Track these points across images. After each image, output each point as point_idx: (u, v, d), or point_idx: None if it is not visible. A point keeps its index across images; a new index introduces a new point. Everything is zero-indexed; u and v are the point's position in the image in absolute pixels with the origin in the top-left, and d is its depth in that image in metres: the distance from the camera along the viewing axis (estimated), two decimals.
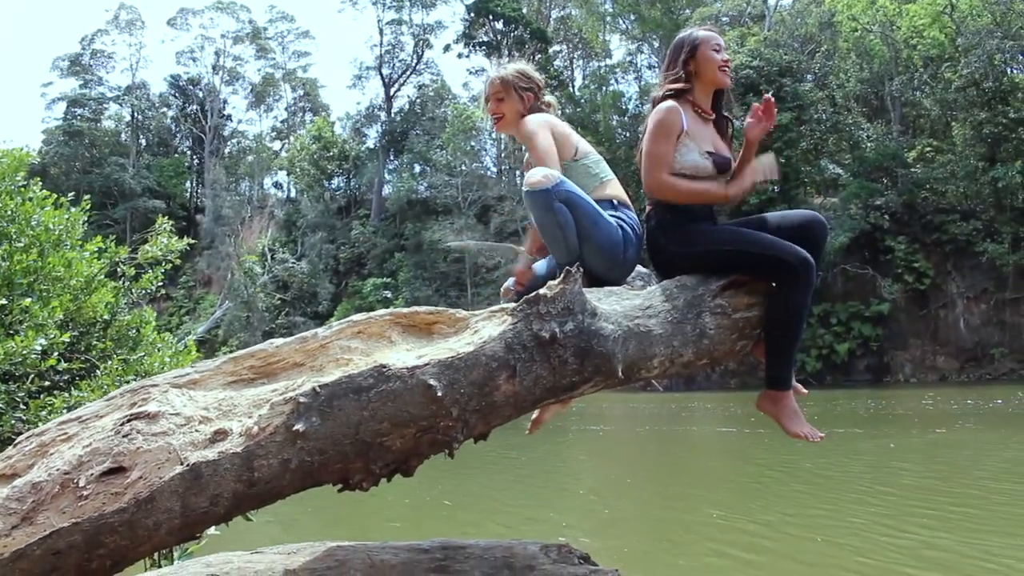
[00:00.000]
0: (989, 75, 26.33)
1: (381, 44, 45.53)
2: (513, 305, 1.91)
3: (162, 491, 1.50)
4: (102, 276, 3.61)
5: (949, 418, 13.91)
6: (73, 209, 3.63)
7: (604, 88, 38.71)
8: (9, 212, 3.25)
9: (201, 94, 51.82)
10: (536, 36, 38.61)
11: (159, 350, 3.61)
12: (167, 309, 40.27)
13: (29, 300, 3.00)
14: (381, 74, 45.67)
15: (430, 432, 1.72)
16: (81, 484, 1.48)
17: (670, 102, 2.33)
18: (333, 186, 44.22)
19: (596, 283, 2.23)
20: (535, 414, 2.42)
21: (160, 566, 2.58)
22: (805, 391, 2.39)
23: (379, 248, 38.20)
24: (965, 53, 26.88)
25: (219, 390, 1.72)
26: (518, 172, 36.82)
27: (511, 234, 32.52)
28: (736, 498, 7.26)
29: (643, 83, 38.58)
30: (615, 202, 2.37)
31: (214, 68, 51.66)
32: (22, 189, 3.44)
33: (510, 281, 2.50)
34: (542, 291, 1.88)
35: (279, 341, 1.82)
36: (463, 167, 38.29)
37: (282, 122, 53.43)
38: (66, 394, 3.02)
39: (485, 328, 1.88)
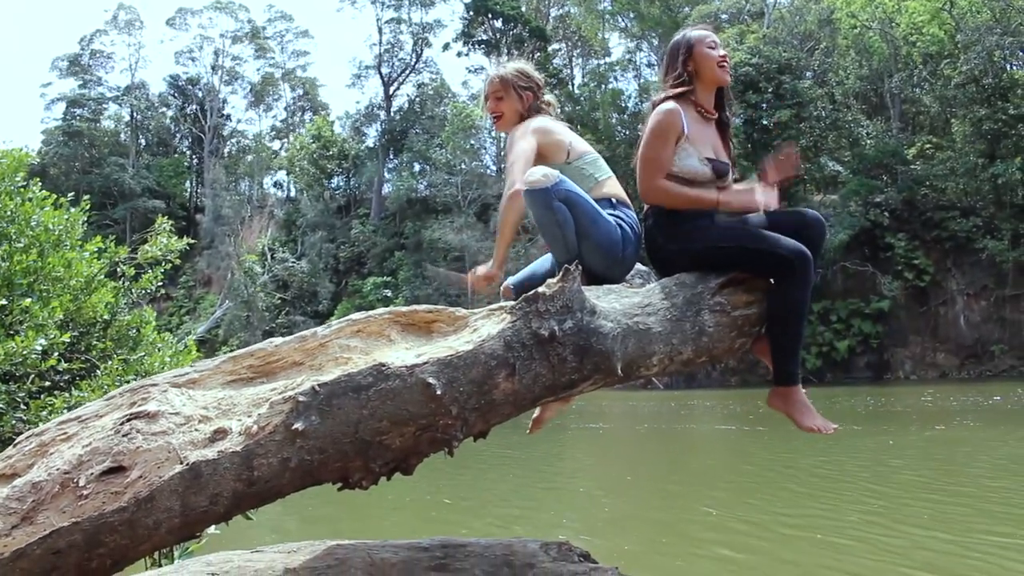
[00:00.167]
0: (989, 71, 26.32)
1: (380, 43, 45.56)
2: (512, 303, 1.91)
3: (162, 490, 1.50)
4: (102, 276, 3.61)
5: (948, 415, 13.92)
6: (73, 209, 3.63)
7: (603, 86, 38.71)
8: (9, 212, 3.25)
9: (200, 94, 51.80)
10: (535, 34, 38.61)
11: (159, 350, 3.62)
12: (167, 309, 40.28)
13: (29, 300, 3.00)
14: (380, 73, 45.66)
15: (429, 430, 1.73)
16: (81, 483, 1.49)
17: (670, 104, 2.32)
18: (333, 185, 44.23)
19: (595, 281, 2.23)
20: (536, 413, 2.42)
21: (160, 565, 2.59)
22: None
23: (379, 247, 38.20)
24: (964, 50, 26.87)
25: (218, 389, 1.72)
26: None
27: None
28: (735, 496, 7.27)
29: (642, 81, 38.59)
30: (614, 200, 2.37)
31: (213, 68, 51.66)
32: (22, 189, 3.44)
33: (510, 280, 2.51)
34: (541, 289, 1.88)
35: (278, 340, 1.83)
36: (463, 166, 38.28)
37: (281, 121, 53.46)
38: (66, 394, 3.03)
39: (484, 326, 1.88)
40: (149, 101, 51.84)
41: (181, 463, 1.53)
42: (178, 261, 4.45)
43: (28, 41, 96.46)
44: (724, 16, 35.88)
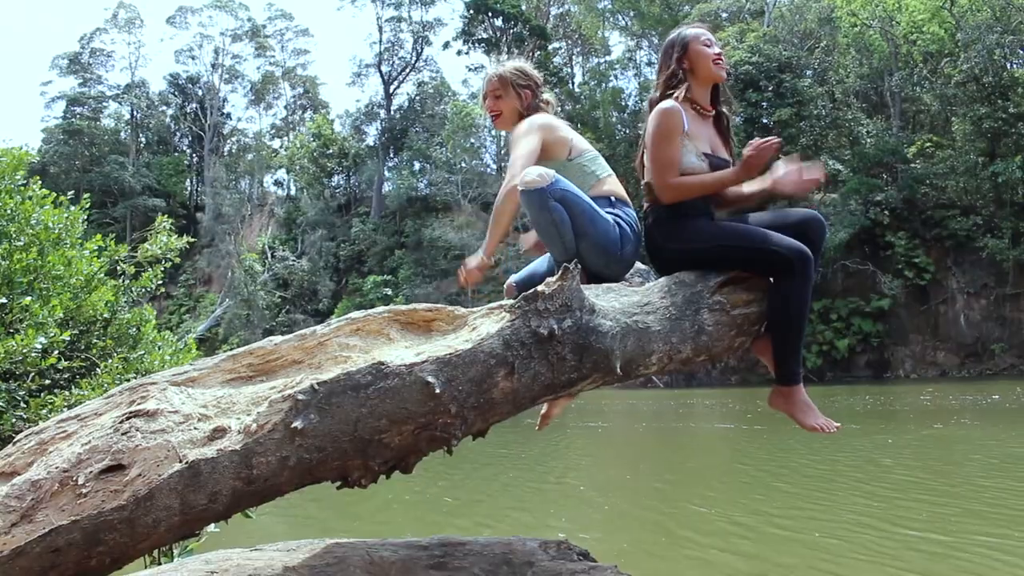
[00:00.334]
0: (989, 70, 26.31)
1: (380, 41, 45.54)
2: (511, 302, 1.91)
3: (161, 489, 1.50)
4: (102, 274, 3.61)
5: (946, 414, 13.92)
6: (73, 208, 3.63)
7: (603, 85, 38.71)
8: (9, 211, 3.25)
9: (200, 92, 51.76)
10: (535, 33, 38.58)
11: (159, 348, 3.61)
12: (167, 307, 40.30)
13: (29, 299, 3.00)
14: (380, 71, 45.65)
15: (428, 429, 1.73)
16: (80, 482, 1.49)
17: (669, 102, 2.32)
18: (333, 184, 44.24)
19: (594, 280, 2.23)
20: (544, 409, 2.42)
21: (160, 563, 2.59)
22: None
23: (379, 245, 38.20)
24: (965, 48, 26.86)
25: (217, 388, 1.72)
26: None
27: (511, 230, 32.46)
28: (734, 494, 7.28)
29: (642, 79, 38.53)
30: (612, 199, 2.37)
31: (213, 66, 51.62)
32: (22, 188, 3.44)
33: (512, 277, 2.51)
34: (540, 288, 1.88)
35: (278, 339, 1.82)
36: (463, 164, 38.31)
37: (282, 120, 53.40)
38: (66, 392, 3.03)
39: (483, 325, 1.88)
40: (149, 99, 51.83)
41: (180, 461, 1.53)
42: (178, 259, 4.44)
43: (28, 39, 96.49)
44: (724, 14, 35.87)
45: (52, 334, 2.93)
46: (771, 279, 2.25)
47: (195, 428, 1.59)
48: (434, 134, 39.90)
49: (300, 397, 1.62)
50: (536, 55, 34.92)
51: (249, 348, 1.82)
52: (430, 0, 44.67)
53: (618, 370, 1.96)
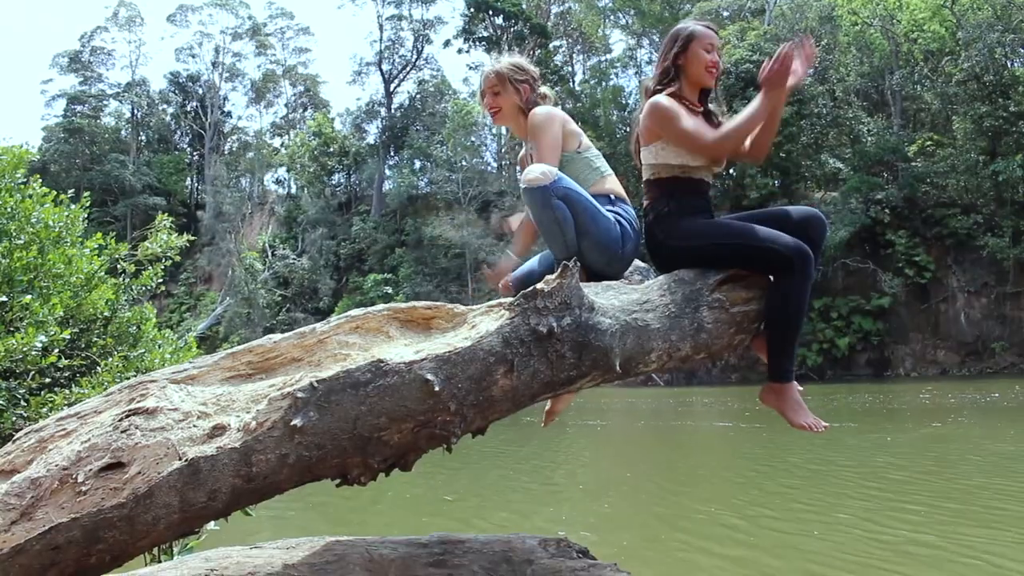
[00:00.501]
0: (990, 69, 26.29)
1: (381, 40, 45.53)
2: (511, 300, 1.91)
3: (160, 486, 1.50)
4: (102, 273, 3.60)
5: (945, 412, 13.92)
6: (73, 206, 3.63)
7: (604, 83, 38.70)
8: (9, 209, 3.25)
9: (201, 91, 51.75)
10: (536, 31, 38.56)
11: (160, 347, 3.61)
12: (168, 306, 40.33)
13: (29, 297, 3.00)
14: (381, 70, 45.64)
15: (428, 427, 1.73)
16: (80, 480, 1.49)
17: (663, 96, 2.34)
18: (333, 182, 44.24)
19: (594, 278, 2.23)
20: (548, 406, 2.43)
21: (159, 561, 2.59)
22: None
23: (380, 244, 38.21)
24: (966, 47, 26.84)
25: (217, 385, 1.73)
26: (518, 168, 36.74)
27: None
28: (733, 492, 7.28)
29: (643, 78, 38.45)
30: (613, 197, 2.37)
31: (214, 65, 51.58)
32: (22, 186, 3.44)
33: (511, 276, 2.51)
34: (539, 286, 1.88)
35: (277, 336, 1.82)
36: (463, 162, 38.28)
37: (282, 118, 53.35)
38: (67, 391, 3.03)
39: (483, 323, 1.88)
40: (150, 98, 51.82)
41: (180, 459, 1.53)
42: (178, 258, 4.44)
43: (29, 38, 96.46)
44: (725, 13, 35.85)
45: (52, 332, 2.93)
46: (771, 277, 2.25)
47: (195, 426, 1.59)
48: (435, 132, 39.88)
49: (299, 395, 1.62)
50: (537, 53, 34.88)
51: (249, 346, 1.82)
52: None
53: (617, 368, 1.96)
